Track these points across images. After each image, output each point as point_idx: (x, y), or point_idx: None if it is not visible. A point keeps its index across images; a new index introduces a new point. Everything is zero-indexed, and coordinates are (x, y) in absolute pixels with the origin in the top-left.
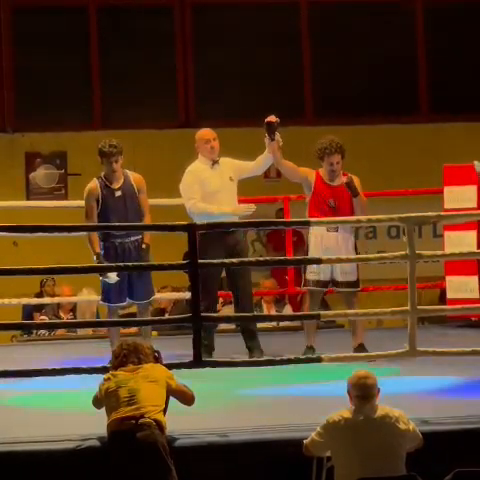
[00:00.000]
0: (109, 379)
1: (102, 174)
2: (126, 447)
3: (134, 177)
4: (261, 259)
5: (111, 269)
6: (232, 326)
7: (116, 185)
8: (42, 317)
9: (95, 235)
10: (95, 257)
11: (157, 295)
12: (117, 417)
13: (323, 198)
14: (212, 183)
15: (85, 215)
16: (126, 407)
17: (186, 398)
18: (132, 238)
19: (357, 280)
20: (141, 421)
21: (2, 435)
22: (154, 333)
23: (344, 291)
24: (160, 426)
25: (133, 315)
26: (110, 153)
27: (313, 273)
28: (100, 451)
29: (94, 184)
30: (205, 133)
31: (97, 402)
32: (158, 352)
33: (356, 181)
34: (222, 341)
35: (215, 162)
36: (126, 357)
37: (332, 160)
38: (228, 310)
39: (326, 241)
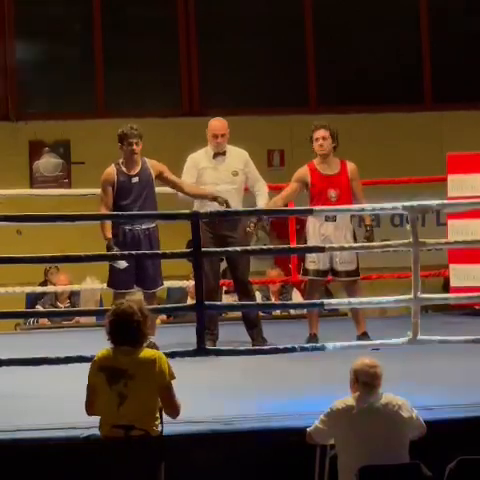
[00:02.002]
0: (99, 371)
1: (120, 160)
2: (115, 456)
3: (152, 164)
4: (265, 247)
5: (115, 257)
6: (238, 314)
7: (133, 171)
8: (38, 306)
9: (107, 221)
10: (106, 242)
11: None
12: (106, 422)
13: (322, 190)
14: (209, 175)
15: (101, 200)
16: (115, 413)
17: (171, 407)
18: (143, 226)
19: (356, 269)
20: (131, 433)
21: (5, 423)
22: (157, 321)
23: (343, 280)
24: (150, 435)
25: None
26: (131, 134)
27: (313, 262)
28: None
29: (111, 169)
30: (215, 127)
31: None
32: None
33: (354, 169)
34: (227, 329)
35: (219, 154)
36: (119, 334)
37: (318, 135)
38: (231, 299)
39: (324, 230)
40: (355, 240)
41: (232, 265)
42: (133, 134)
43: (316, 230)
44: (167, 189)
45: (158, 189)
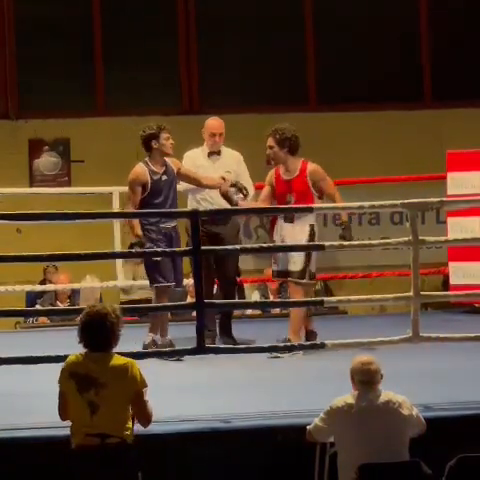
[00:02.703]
0: (69, 377)
1: (147, 159)
2: (92, 467)
3: (171, 160)
4: (264, 245)
5: (116, 256)
6: (237, 312)
7: (161, 169)
8: (37, 306)
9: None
10: (136, 239)
11: None
12: (79, 430)
13: (282, 194)
14: (204, 173)
15: (128, 199)
16: (88, 422)
17: (142, 416)
18: (172, 224)
19: (301, 271)
20: (107, 441)
21: (5, 422)
22: None
23: (290, 280)
24: (126, 442)
25: (136, 302)
26: (168, 129)
27: (274, 264)
28: None
29: (141, 169)
30: (213, 126)
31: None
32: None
33: (313, 171)
34: None
35: (214, 153)
36: (91, 337)
37: (267, 143)
38: None
39: (282, 231)
40: (309, 241)
41: (219, 263)
42: (169, 129)
43: (278, 231)
44: None
45: None
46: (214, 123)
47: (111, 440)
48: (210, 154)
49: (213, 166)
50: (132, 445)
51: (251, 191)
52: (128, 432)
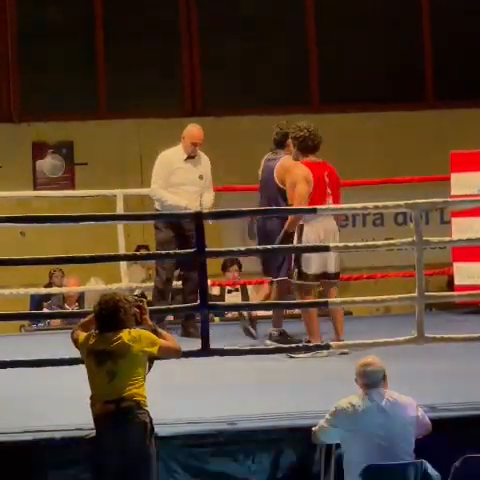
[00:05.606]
0: (88, 355)
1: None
2: (109, 430)
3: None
4: (268, 247)
5: (121, 258)
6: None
7: None
8: (45, 309)
9: None
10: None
11: None
12: (99, 399)
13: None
14: (181, 175)
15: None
16: (106, 389)
17: (171, 355)
18: None
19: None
20: (122, 405)
21: (10, 425)
22: None
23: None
24: (140, 406)
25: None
26: None
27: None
28: None
29: None
30: (197, 136)
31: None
32: (142, 295)
33: None
34: (228, 329)
35: (190, 157)
36: (106, 321)
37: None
38: (233, 299)
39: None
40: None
41: (188, 263)
42: None
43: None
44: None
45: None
46: (199, 133)
47: (125, 403)
48: (187, 158)
49: (189, 169)
50: (145, 409)
51: (211, 197)
52: (142, 398)
